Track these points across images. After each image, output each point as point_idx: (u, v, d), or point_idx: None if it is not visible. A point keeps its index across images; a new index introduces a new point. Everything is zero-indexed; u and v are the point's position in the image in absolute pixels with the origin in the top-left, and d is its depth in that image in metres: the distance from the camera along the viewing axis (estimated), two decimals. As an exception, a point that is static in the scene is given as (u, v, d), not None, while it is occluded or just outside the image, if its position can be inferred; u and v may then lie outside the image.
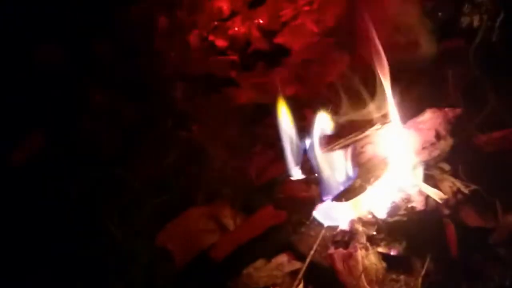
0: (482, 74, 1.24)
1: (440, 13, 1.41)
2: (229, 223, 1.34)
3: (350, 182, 1.09)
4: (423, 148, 1.09)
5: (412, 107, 1.32)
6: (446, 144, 1.08)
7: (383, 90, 1.20)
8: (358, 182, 1.09)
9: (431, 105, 1.32)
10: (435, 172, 1.20)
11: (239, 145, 1.44)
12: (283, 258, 1.22)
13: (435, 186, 1.17)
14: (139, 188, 1.35)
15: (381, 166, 1.08)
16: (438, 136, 1.08)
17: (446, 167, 1.21)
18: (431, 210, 1.13)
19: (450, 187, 1.18)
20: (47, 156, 1.40)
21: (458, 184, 1.18)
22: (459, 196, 1.17)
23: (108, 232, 1.27)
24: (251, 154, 1.41)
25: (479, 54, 1.23)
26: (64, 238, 1.27)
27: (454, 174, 1.20)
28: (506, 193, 1.19)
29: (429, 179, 1.18)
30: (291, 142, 1.20)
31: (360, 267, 1.11)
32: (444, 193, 1.16)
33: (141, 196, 1.35)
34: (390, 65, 1.39)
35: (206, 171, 1.42)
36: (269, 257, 1.22)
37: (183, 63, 1.48)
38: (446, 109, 1.09)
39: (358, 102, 1.16)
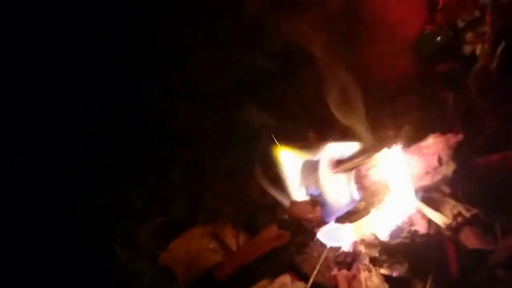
0: (480, 99, 1.27)
1: (438, 38, 1.45)
2: (232, 242, 1.35)
3: (354, 205, 1.11)
4: (426, 173, 1.11)
5: (411, 131, 1.37)
6: (448, 169, 1.11)
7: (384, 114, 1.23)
8: (363, 204, 1.11)
9: (430, 129, 1.36)
10: (436, 195, 1.22)
11: (241, 164, 1.45)
12: (286, 278, 1.23)
13: (436, 209, 1.19)
14: (142, 207, 1.36)
15: (385, 189, 1.10)
16: (440, 161, 1.11)
17: (446, 189, 1.23)
18: (433, 232, 1.15)
19: (451, 209, 1.20)
20: (50, 175, 1.40)
21: (459, 207, 1.20)
22: (459, 218, 1.19)
23: (112, 252, 1.27)
24: (254, 174, 1.43)
25: (478, 80, 1.26)
26: (68, 258, 1.26)
27: (454, 196, 1.23)
28: (505, 215, 1.22)
29: (430, 202, 1.21)
30: (295, 164, 1.22)
31: (364, 289, 1.13)
32: (445, 216, 1.18)
33: (144, 216, 1.35)
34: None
35: (208, 190, 1.44)
36: (272, 277, 1.23)
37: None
38: (449, 135, 1.12)
39: (362, 125, 1.18)
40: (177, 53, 1.53)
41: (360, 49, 1.63)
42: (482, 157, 1.28)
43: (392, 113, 1.47)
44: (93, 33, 1.55)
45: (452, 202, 1.21)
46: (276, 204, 1.33)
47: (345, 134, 1.27)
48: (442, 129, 1.33)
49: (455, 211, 1.20)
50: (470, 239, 1.20)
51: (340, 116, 1.32)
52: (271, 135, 1.45)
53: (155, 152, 1.45)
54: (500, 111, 1.30)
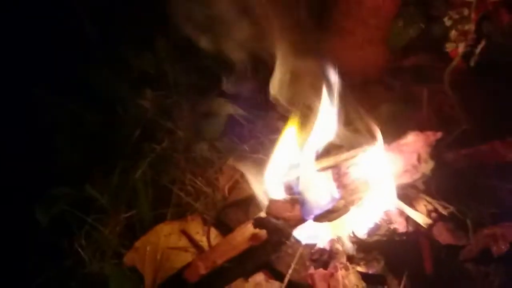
0: (453, 94, 1.28)
1: (411, 30, 1.44)
2: (202, 240, 1.29)
3: (333, 203, 1.08)
4: (405, 171, 1.10)
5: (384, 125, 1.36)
6: (427, 167, 1.10)
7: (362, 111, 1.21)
8: (342, 203, 1.08)
9: (403, 123, 1.36)
10: (410, 191, 1.22)
11: (211, 158, 1.39)
12: (260, 277, 1.19)
13: (411, 205, 1.19)
14: (106, 204, 1.27)
15: (364, 187, 1.08)
16: (419, 159, 1.10)
17: (421, 186, 1.23)
18: (410, 230, 1.15)
19: (425, 206, 1.20)
20: (10, 172, 1.27)
21: (433, 203, 1.20)
22: (433, 214, 1.20)
23: (75, 251, 1.19)
24: (224, 168, 1.37)
25: (453, 75, 1.26)
26: (29, 259, 1.17)
27: (428, 193, 1.23)
28: (476, 210, 1.24)
29: (405, 199, 1.20)
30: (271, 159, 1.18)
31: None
32: (419, 212, 1.18)
33: (108, 212, 1.27)
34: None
35: (176, 185, 1.37)
36: (246, 276, 1.19)
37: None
38: (428, 132, 1.11)
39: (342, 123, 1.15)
40: (140, 40, 1.43)
41: (330, 39, 1.60)
42: (453, 152, 1.30)
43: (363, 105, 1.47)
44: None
45: (426, 198, 1.22)
46: (249, 200, 1.29)
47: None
48: (414, 124, 1.34)
49: (430, 207, 1.20)
50: (442, 235, 1.21)
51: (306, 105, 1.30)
52: (243, 128, 1.40)
53: (120, 145, 1.35)
54: (472, 106, 1.31)
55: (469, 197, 1.25)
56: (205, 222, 1.32)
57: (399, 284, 1.15)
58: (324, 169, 1.10)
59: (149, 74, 1.40)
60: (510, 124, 1.29)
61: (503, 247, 1.17)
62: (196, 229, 1.32)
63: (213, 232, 1.30)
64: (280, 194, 1.12)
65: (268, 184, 1.15)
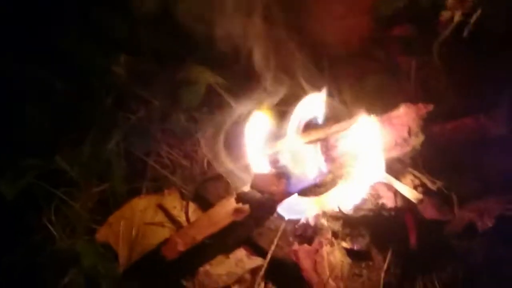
0: (442, 65, 1.24)
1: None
2: (180, 215, 1.23)
3: (321, 177, 1.04)
4: (396, 144, 1.06)
5: (370, 97, 1.31)
6: (417, 140, 1.06)
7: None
8: (330, 177, 1.04)
9: (391, 95, 1.32)
10: (397, 166, 1.18)
11: (189, 129, 1.32)
12: (241, 253, 1.15)
13: (397, 179, 1.16)
14: (76, 176, 1.18)
15: (353, 161, 1.04)
16: (410, 132, 1.06)
17: (408, 160, 1.20)
18: (397, 205, 1.12)
19: (412, 180, 1.17)
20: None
21: (420, 178, 1.18)
22: (419, 189, 1.17)
23: (44, 227, 1.11)
24: (202, 139, 1.30)
25: (444, 46, 1.22)
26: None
27: (415, 167, 1.20)
28: (462, 186, 1.22)
29: (391, 172, 1.17)
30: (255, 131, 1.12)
31: (326, 264, 1.08)
32: (406, 187, 1.16)
33: (79, 185, 1.18)
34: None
35: (152, 157, 1.30)
36: (227, 253, 1.14)
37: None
38: (419, 105, 1.07)
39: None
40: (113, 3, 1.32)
41: (311, 8, 1.54)
42: (439, 126, 1.27)
43: (349, 76, 1.42)
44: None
45: (413, 172, 1.19)
46: (229, 174, 1.24)
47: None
48: (401, 96, 1.30)
49: (416, 182, 1.17)
50: (427, 210, 1.19)
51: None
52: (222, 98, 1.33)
53: (92, 114, 1.26)
54: (459, 79, 1.28)
55: (454, 172, 1.23)
56: (183, 197, 1.26)
57: (384, 260, 1.13)
58: (312, 142, 1.06)
59: (123, 40, 1.30)
60: (496, 98, 1.27)
61: (488, 222, 1.16)
62: (174, 203, 1.26)
63: (192, 206, 1.25)
64: (265, 168, 1.07)
65: (251, 157, 1.10)
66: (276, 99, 1.22)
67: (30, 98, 1.22)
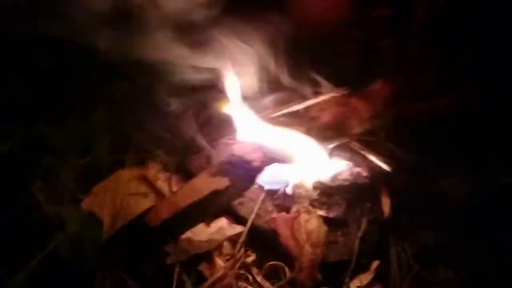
0: (418, 46, 1.28)
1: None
2: (163, 186, 1.26)
3: (300, 146, 1.08)
4: (371, 117, 1.11)
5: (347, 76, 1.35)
6: (390, 113, 1.11)
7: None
8: (309, 146, 1.09)
9: (367, 74, 1.36)
10: (371, 138, 1.24)
11: (171, 101, 1.34)
12: (222, 221, 1.19)
13: (372, 151, 1.21)
14: (62, 147, 1.21)
15: (332, 131, 1.09)
16: (384, 106, 1.11)
17: (381, 133, 1.25)
18: (370, 176, 1.17)
19: (385, 151, 1.22)
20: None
21: (392, 150, 1.23)
22: (392, 160, 1.22)
23: (30, 195, 1.13)
24: (185, 113, 1.33)
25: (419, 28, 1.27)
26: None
27: (388, 140, 1.25)
28: (434, 160, 1.27)
29: (366, 145, 1.22)
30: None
31: (303, 231, 1.13)
32: (380, 158, 1.21)
33: (64, 156, 1.21)
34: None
35: (136, 129, 1.32)
36: (208, 221, 1.19)
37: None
38: (395, 79, 1.11)
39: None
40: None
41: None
42: (412, 104, 1.32)
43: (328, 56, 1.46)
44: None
45: (385, 144, 1.24)
46: (211, 146, 1.27)
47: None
48: (379, 75, 1.35)
49: (388, 154, 1.22)
50: (399, 183, 1.25)
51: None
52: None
53: (77, 85, 1.28)
54: (435, 58, 1.33)
55: (427, 148, 1.28)
56: (166, 169, 1.30)
57: (359, 228, 1.18)
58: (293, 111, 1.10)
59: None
60: (471, 77, 1.32)
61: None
62: (157, 175, 1.29)
63: (174, 178, 1.28)
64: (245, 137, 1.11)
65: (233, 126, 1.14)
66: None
67: (16, 65, 1.24)
